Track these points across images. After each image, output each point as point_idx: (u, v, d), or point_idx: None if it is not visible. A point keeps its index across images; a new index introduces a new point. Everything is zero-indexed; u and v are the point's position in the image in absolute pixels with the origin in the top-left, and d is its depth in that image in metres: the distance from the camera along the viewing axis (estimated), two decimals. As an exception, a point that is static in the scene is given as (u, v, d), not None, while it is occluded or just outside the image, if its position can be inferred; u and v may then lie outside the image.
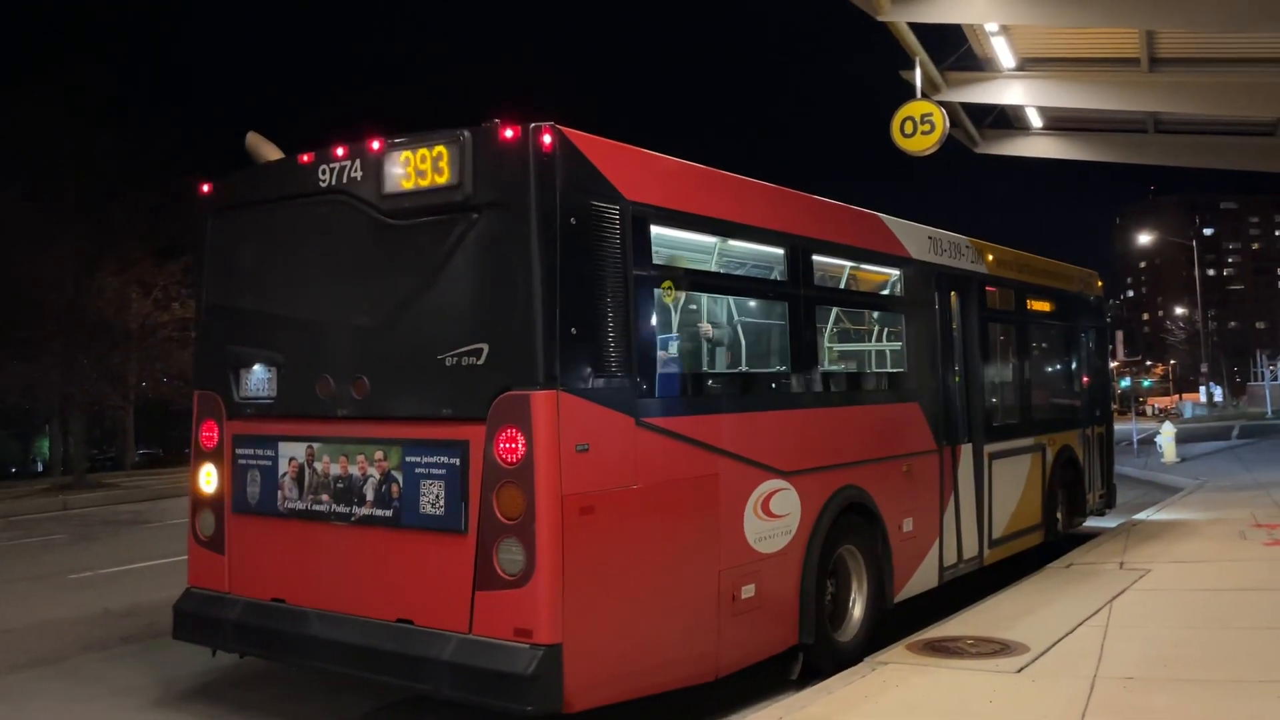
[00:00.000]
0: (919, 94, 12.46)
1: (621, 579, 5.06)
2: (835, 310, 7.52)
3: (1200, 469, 19.99)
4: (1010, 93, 14.16)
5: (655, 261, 5.48)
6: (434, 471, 5.08)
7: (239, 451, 5.97)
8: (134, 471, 30.43)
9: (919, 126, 12.23)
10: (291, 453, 5.69)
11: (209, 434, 6.14)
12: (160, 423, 39.95)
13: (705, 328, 6.27)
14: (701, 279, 6.14)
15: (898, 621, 7.21)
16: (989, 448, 8.81)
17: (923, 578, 7.70)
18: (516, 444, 4.80)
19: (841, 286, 7.57)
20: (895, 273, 7.89)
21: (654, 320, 5.44)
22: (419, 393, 5.20)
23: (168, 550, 13.37)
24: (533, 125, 4.89)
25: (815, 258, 6.84)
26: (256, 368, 5.94)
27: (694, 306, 6.21)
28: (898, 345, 8.02)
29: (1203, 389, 72.18)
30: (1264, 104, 12.95)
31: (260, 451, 5.84)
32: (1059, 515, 10.47)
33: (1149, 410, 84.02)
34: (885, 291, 8.01)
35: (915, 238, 8.06)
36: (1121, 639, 6.35)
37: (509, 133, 4.90)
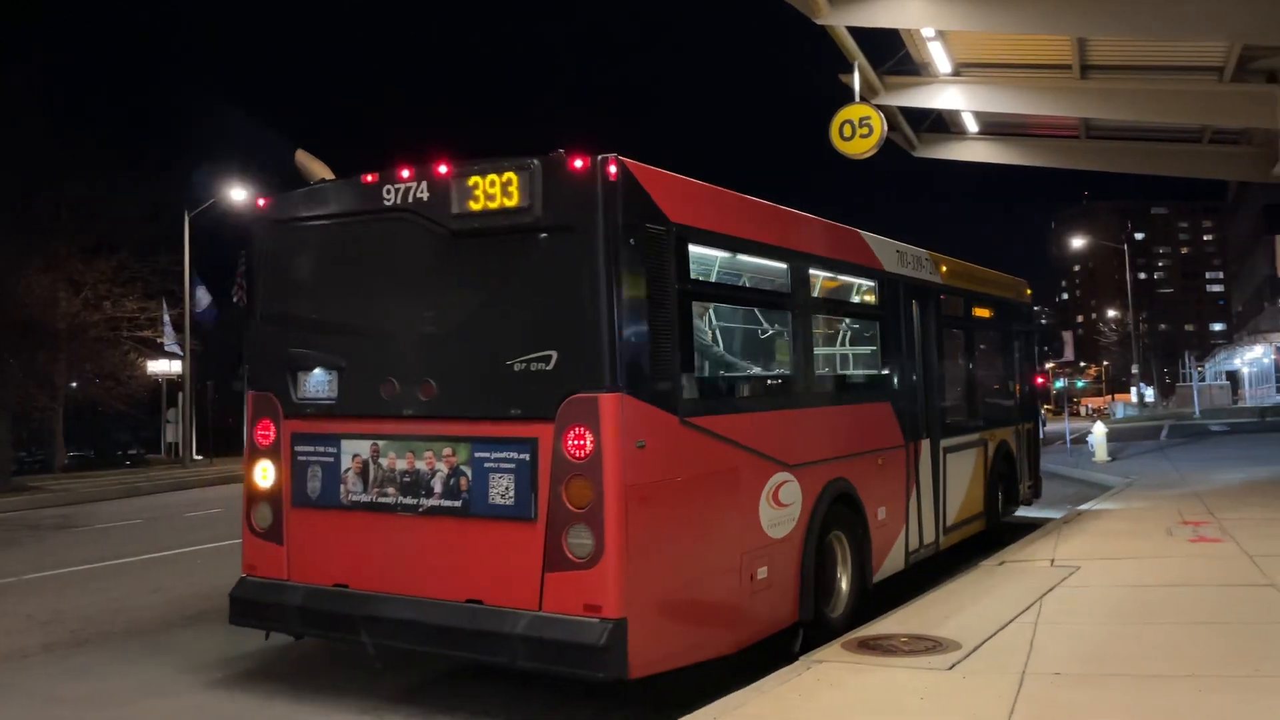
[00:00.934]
0: (857, 97, 12.59)
1: (669, 561, 5.68)
2: (829, 319, 8.41)
3: (1130, 468, 20.44)
4: (946, 97, 14.36)
5: (692, 277, 6.12)
6: (503, 466, 5.64)
7: (298, 449, 6.41)
8: (63, 474, 29.67)
9: (857, 130, 12.34)
10: (355, 449, 6.16)
11: (264, 432, 6.56)
12: (91, 424, 39.02)
13: (729, 336, 7.07)
14: (727, 292, 7.01)
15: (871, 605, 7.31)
16: (943, 443, 9.72)
17: (893, 562, 8.49)
18: (585, 441, 5.39)
19: (835, 298, 8.48)
20: (873, 284, 8.71)
21: (692, 330, 6.10)
22: (487, 395, 5.74)
23: (94, 555, 13.04)
24: (600, 157, 5.50)
25: (816, 273, 7.69)
26: (316, 371, 6.42)
27: (721, 317, 7.04)
28: (873, 350, 8.87)
29: (1134, 390, 73.95)
30: (1191, 110, 13.27)
31: (321, 449, 6.30)
32: (998, 505, 11.53)
33: (1083, 410, 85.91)
34: (866, 301, 8.82)
35: (887, 252, 8.91)
36: (1050, 635, 6.45)
37: (578, 163, 5.50)
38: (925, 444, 9.30)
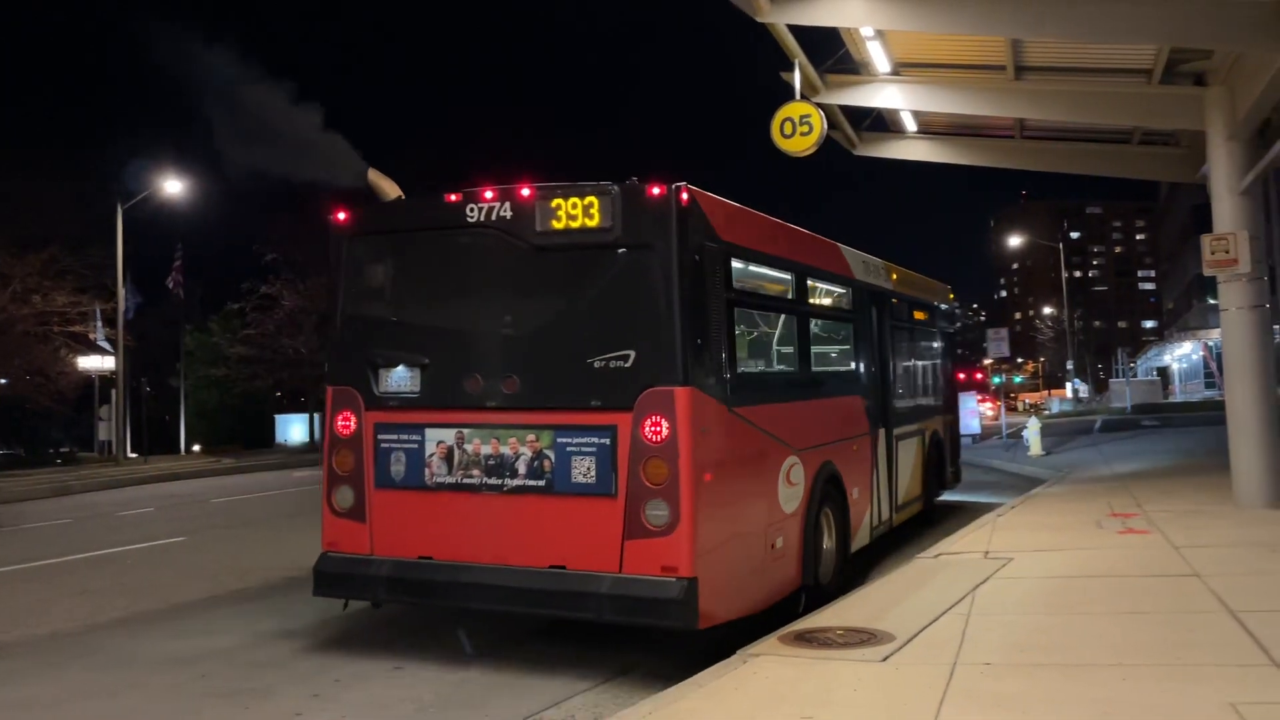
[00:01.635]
0: (798, 95, 12.65)
1: (723, 530, 6.62)
2: (823, 322, 9.54)
3: (1064, 461, 20.87)
4: (885, 96, 14.50)
5: (734, 287, 7.16)
6: (584, 449, 6.55)
7: (381, 437, 7.22)
8: (-10, 473, 28.80)
9: (798, 127, 12.40)
10: (440, 437, 7.01)
11: (345, 423, 7.35)
12: (21, 422, 38.00)
13: (753, 337, 8.10)
14: (754, 300, 7.95)
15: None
16: (895, 431, 11.07)
17: (862, 536, 9.71)
18: (661, 427, 6.35)
19: (825, 303, 9.66)
20: (848, 292, 10.01)
21: (734, 332, 7.12)
22: (569, 388, 6.65)
23: (18, 555, 12.69)
24: (674, 185, 6.50)
25: (813, 282, 9.02)
26: (399, 368, 7.24)
27: (752, 320, 8.03)
28: (848, 349, 10.09)
29: (1069, 385, 75.46)
30: (1121, 112, 13.54)
31: (404, 437, 7.12)
32: (933, 488, 13.16)
33: (1020, 405, 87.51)
34: (843, 307, 10.02)
35: (856, 262, 10.28)
36: (982, 626, 6.56)
37: (656, 190, 6.49)
38: (883, 432, 10.62)
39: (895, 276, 11.76)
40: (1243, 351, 11.75)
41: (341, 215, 7.62)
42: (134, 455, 34.42)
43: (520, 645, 7.46)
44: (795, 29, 12.45)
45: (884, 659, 5.89)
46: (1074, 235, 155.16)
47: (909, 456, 11.78)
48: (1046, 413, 54.79)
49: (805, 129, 12.31)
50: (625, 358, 6.54)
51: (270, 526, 15.15)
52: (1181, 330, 62.45)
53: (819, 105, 12.83)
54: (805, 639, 6.45)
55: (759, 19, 11.76)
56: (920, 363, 12.86)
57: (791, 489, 7.75)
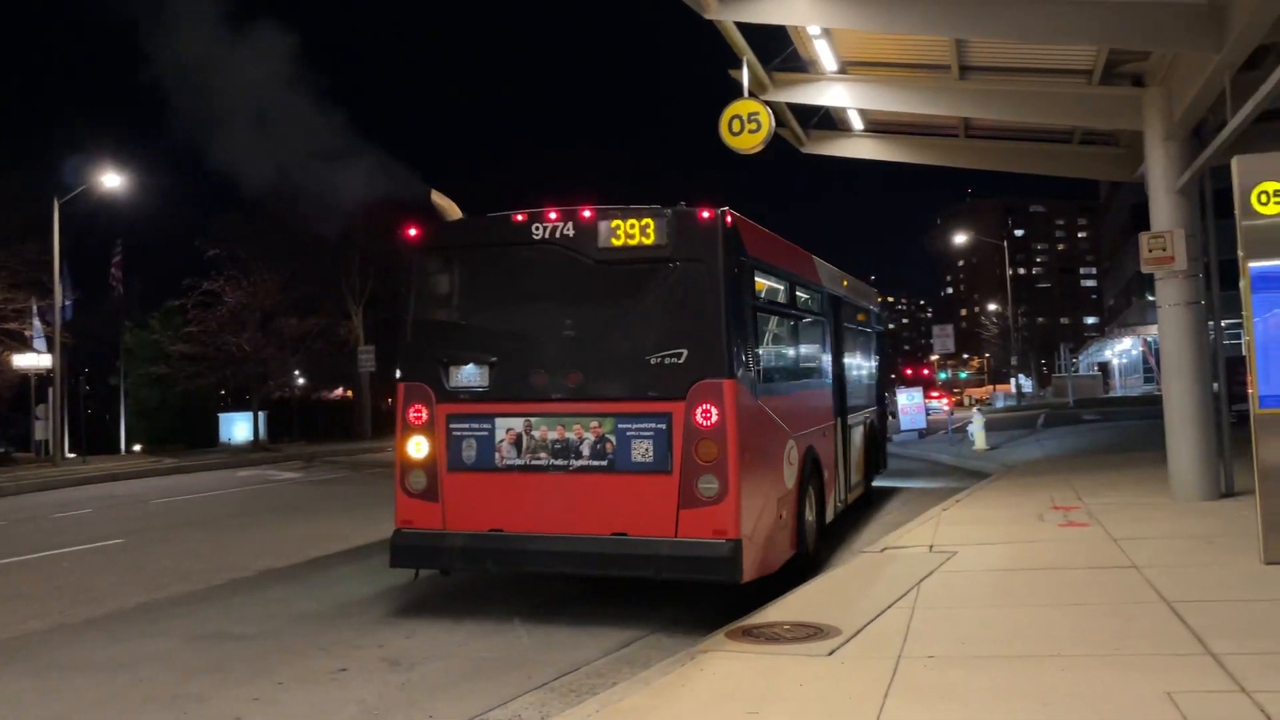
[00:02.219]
0: (746, 93, 12.69)
1: (755, 501, 7.90)
2: (805, 324, 10.85)
3: (1007, 456, 21.20)
4: (833, 94, 14.60)
5: (756, 295, 8.61)
6: (643, 433, 7.73)
7: (453, 426, 8.29)
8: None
9: (746, 125, 12.44)
10: (509, 425, 8.13)
11: (417, 414, 8.40)
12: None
13: (767, 337, 9.26)
14: (768, 306, 9.27)
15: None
16: (849, 420, 12.70)
17: (830, 512, 11.12)
18: (711, 413, 7.58)
19: (809, 309, 11.08)
20: (820, 297, 11.65)
21: (757, 334, 8.55)
22: (629, 382, 7.88)
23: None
24: (721, 210, 7.82)
25: (801, 291, 10.59)
26: (469, 365, 8.36)
27: (765, 323, 9.18)
28: (819, 347, 11.56)
29: (1013, 380, 76.64)
30: (1062, 112, 13.75)
31: (475, 425, 8.22)
32: (873, 472, 15.11)
33: (966, 400, 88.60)
34: (818, 310, 11.53)
35: (824, 271, 12.00)
36: (927, 620, 6.63)
37: (705, 214, 7.81)
38: (840, 421, 12.17)
39: (845, 283, 13.46)
40: (1179, 347, 12.00)
41: (414, 231, 8.65)
42: (72, 455, 33.63)
43: (463, 645, 7.41)
44: (743, 26, 12.49)
45: (830, 653, 5.93)
46: (1018, 233, 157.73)
47: (858, 442, 13.51)
48: (991, 408, 55.64)
49: (754, 126, 12.35)
50: (678, 355, 7.78)
51: (213, 527, 14.89)
52: (1121, 326, 63.84)
53: (767, 103, 12.88)
54: (753, 634, 6.47)
55: (706, 15, 11.77)
56: (863, 359, 14.69)
57: (790, 468, 9.09)
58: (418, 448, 8.39)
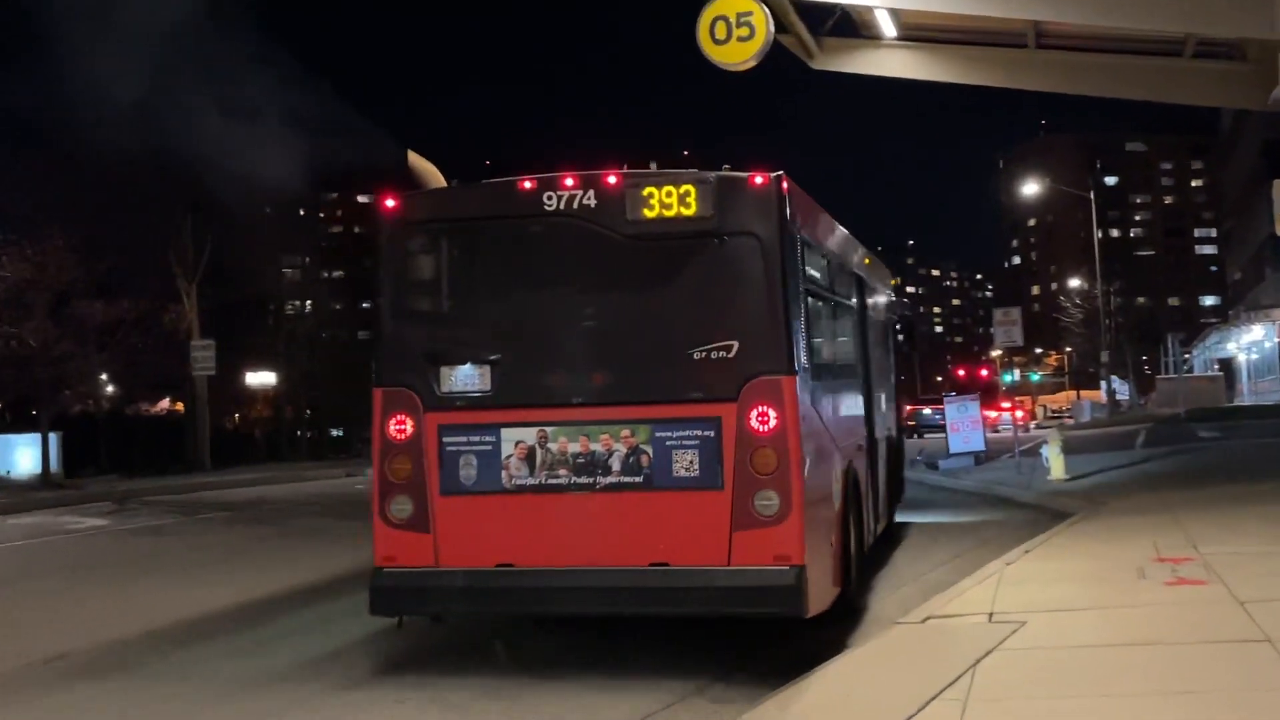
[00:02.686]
0: (734, -16, 12.66)
1: (813, 519, 8.82)
2: (842, 314, 12.04)
3: (1095, 487, 21.38)
4: (854, -14, 14.61)
5: (809, 279, 9.52)
6: (686, 442, 8.55)
7: (447, 440, 9.00)
8: None
9: (734, 30, 12.46)
10: (518, 436, 8.86)
11: (400, 427, 9.06)
12: None
13: (816, 329, 10.04)
14: (816, 292, 10.18)
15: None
16: (876, 431, 13.83)
17: (865, 545, 12.06)
18: (769, 416, 8.40)
19: (844, 294, 12.16)
20: (854, 281, 13.03)
21: (810, 324, 9.44)
22: (668, 381, 8.74)
23: None
24: (775, 174, 8.73)
25: (841, 274, 11.76)
26: (465, 365, 9.05)
27: (814, 314, 9.97)
28: (851, 342, 12.70)
29: (1103, 384, 77.46)
30: (1169, 11, 13.83)
31: (475, 438, 8.93)
32: (894, 500, 16.42)
33: (1039, 412, 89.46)
34: (849, 297, 12.66)
35: (853, 248, 13.17)
36: (983, 716, 6.66)
37: (759, 179, 8.70)
38: (869, 431, 13.21)
39: (868, 260, 14.70)
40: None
41: (391, 202, 9.31)
42: None
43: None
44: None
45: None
46: (1109, 181, 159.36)
47: (884, 459, 14.65)
48: (1073, 422, 56.23)
49: (744, 32, 12.38)
50: (728, 348, 8.56)
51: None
52: (1251, 309, 64.00)
53: (763, 1, 12.86)
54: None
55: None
56: (885, 357, 16.01)
57: (836, 486, 10.09)
58: (400, 468, 9.09)
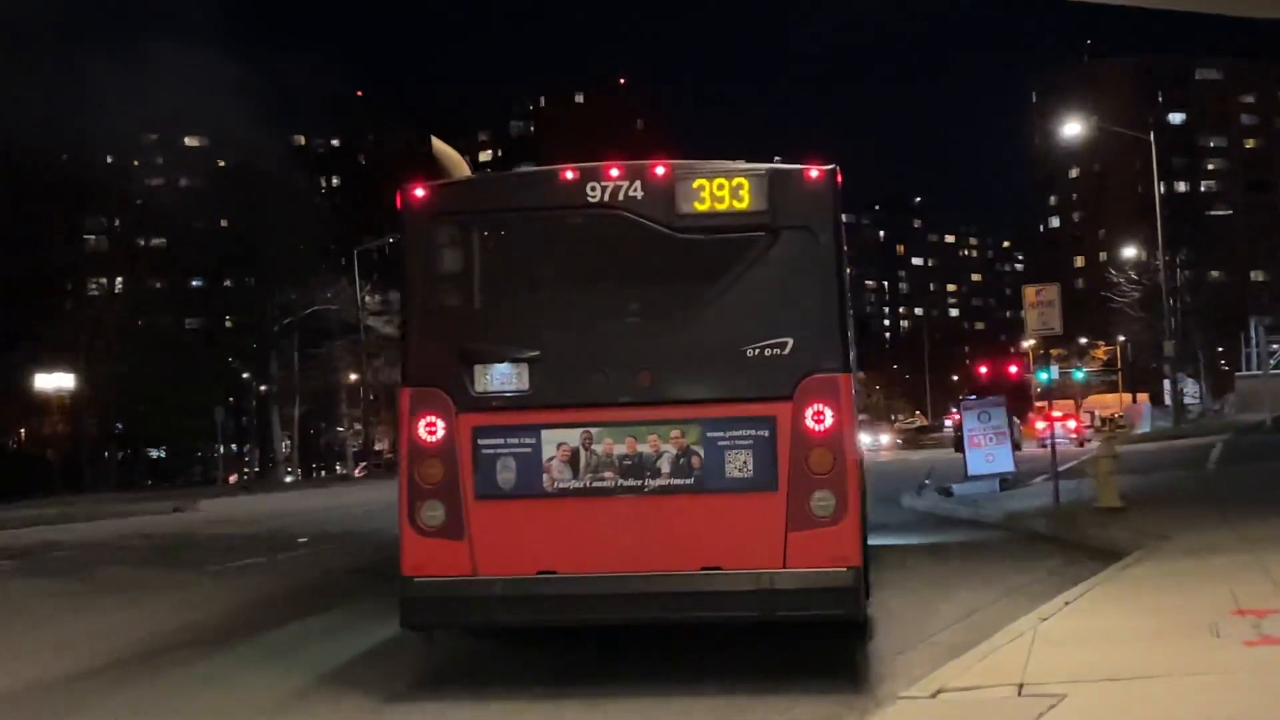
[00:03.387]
0: None
1: (863, 522, 11.10)
2: (852, 300, 13.02)
3: (1156, 519, 21.49)
4: None
5: (848, 271, 11.59)
6: (739, 443, 10.45)
7: (483, 442, 10.79)
8: None
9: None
10: (561, 438, 10.68)
11: (430, 429, 10.83)
12: None
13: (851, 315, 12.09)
14: (851, 284, 12.82)
15: None
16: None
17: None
18: (824, 415, 10.36)
19: (849, 279, 13.57)
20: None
21: (852, 318, 11.48)
22: (720, 379, 10.65)
23: None
24: (830, 167, 10.59)
25: (846, 258, 12.68)
26: (502, 364, 10.82)
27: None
28: (854, 330, 14.37)
29: (1167, 383, 78.07)
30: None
31: (514, 440, 10.71)
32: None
33: (1094, 420, 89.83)
34: (848, 279, 14.34)
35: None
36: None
37: (814, 172, 10.63)
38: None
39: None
40: None
41: (420, 191, 11.12)
42: None
43: None
44: None
45: None
46: (1174, 119, 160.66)
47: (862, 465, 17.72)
48: (1128, 432, 56.64)
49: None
50: (782, 345, 10.49)
51: None
52: (1356, 285, 64.64)
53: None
54: None
55: None
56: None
57: (862, 489, 11.97)
58: (431, 471, 10.88)
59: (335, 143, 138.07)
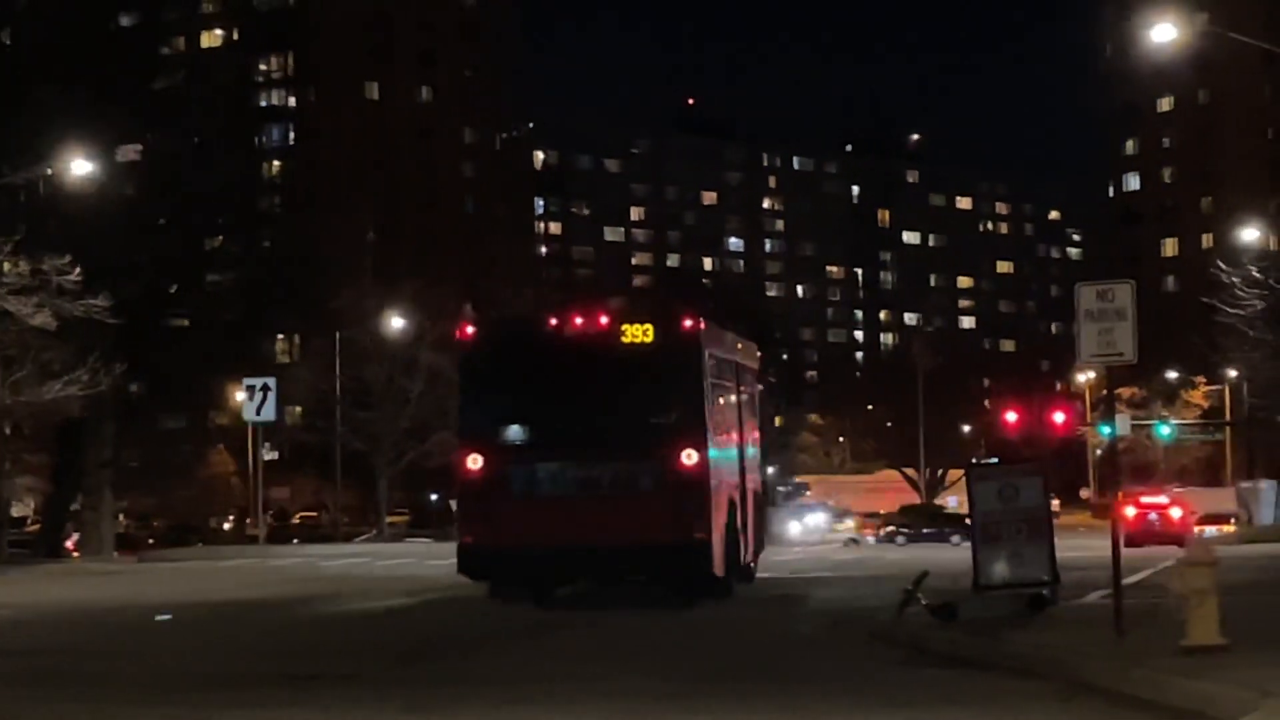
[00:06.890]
0: None
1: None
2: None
3: (1274, 661, 21.67)
4: None
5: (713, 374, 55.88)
6: (639, 471, 52.65)
7: (507, 469, 52.43)
8: None
9: None
10: (548, 468, 52.89)
11: (474, 463, 51.44)
12: None
13: None
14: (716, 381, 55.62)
15: None
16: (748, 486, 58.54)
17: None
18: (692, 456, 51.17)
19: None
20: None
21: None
22: (630, 438, 51.51)
23: None
24: (695, 322, 54.28)
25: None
26: (514, 426, 53.33)
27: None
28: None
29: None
30: None
31: (524, 467, 52.27)
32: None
33: (1199, 517, 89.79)
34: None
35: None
36: None
37: (688, 322, 52.90)
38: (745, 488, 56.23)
39: (740, 346, 58.21)
40: None
41: (470, 329, 52.61)
42: None
43: None
44: None
45: None
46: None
47: (753, 499, 59.89)
48: (1240, 524, 57.38)
49: None
50: (668, 417, 48.39)
51: None
52: None
53: None
54: None
55: None
56: (754, 420, 61.99)
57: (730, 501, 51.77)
58: (477, 487, 50.10)
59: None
